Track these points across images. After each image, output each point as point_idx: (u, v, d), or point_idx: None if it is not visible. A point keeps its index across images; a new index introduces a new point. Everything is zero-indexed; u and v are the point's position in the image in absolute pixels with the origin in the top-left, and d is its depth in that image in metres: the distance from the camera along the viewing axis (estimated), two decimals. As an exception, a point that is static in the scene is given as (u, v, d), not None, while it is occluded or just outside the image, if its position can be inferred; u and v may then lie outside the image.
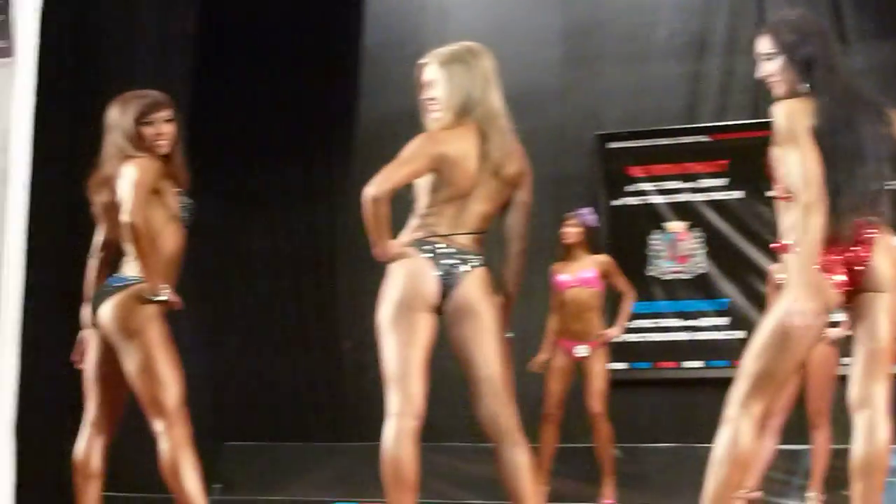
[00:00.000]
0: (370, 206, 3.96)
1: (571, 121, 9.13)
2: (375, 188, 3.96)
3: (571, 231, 7.51)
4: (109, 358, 4.60)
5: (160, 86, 4.93)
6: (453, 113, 4.14)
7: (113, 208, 4.55)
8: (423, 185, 4.16)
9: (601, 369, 7.35)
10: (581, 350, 7.36)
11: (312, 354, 9.35)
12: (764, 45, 3.94)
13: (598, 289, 7.48)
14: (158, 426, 4.48)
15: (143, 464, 7.46)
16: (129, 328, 4.48)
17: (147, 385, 4.47)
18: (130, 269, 4.58)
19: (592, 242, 7.58)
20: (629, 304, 7.57)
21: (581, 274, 7.46)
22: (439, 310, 4.12)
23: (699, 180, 8.75)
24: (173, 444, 4.44)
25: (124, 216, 4.40)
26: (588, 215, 7.60)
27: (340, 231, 9.30)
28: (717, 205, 8.67)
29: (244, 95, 9.38)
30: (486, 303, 4.13)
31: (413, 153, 4.07)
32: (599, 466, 7.33)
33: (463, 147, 4.09)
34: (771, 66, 3.93)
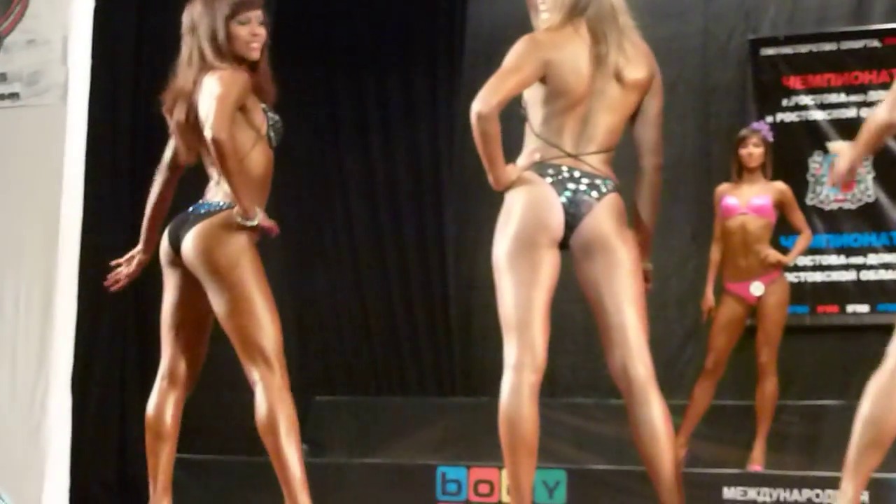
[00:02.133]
0: (477, 125, 3.94)
1: (719, 24, 9.00)
2: (481, 103, 3.93)
3: (756, 151, 7.44)
4: (191, 298, 4.58)
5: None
6: (562, 12, 4.10)
7: (189, 127, 4.52)
8: (534, 98, 4.13)
9: (779, 312, 7.32)
10: (756, 288, 7.31)
11: (414, 297, 9.39)
12: None
13: (770, 219, 7.43)
14: (254, 374, 4.41)
15: (223, 421, 7.68)
16: (220, 260, 4.40)
17: (242, 326, 4.41)
18: (216, 194, 4.54)
19: (776, 165, 7.54)
20: (805, 242, 7.56)
21: (754, 200, 7.40)
22: (564, 244, 4.08)
23: (869, 92, 8.58)
24: (271, 395, 4.37)
25: (209, 132, 4.29)
26: (768, 131, 7.55)
27: (446, 156, 9.30)
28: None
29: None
30: (621, 236, 4.08)
31: (517, 60, 4.04)
32: (755, 426, 7.30)
33: (572, 49, 4.05)
34: None
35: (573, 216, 4.03)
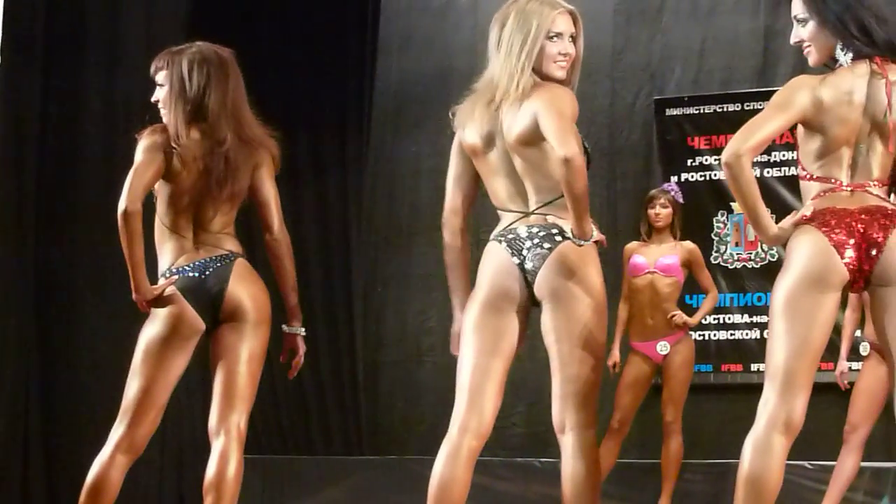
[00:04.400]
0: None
1: (625, 85, 9.11)
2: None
3: (664, 212, 7.51)
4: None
5: (153, 50, 4.91)
6: None
7: None
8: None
9: (684, 371, 7.37)
10: (662, 347, 7.36)
11: (321, 355, 9.33)
12: (796, 7, 3.98)
13: (678, 278, 7.49)
14: (231, 424, 4.56)
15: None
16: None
17: (254, 373, 4.64)
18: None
19: (683, 225, 7.61)
20: (712, 302, 7.63)
21: (662, 260, 7.46)
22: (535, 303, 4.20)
23: (772, 153, 8.70)
24: (240, 452, 4.56)
25: None
26: (677, 192, 7.62)
27: (355, 213, 9.29)
28: (792, 181, 8.60)
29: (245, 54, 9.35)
30: None
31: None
32: (660, 484, 7.33)
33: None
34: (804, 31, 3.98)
35: None
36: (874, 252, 3.76)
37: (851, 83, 3.86)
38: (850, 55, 3.89)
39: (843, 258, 3.76)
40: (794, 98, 3.86)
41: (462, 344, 4.21)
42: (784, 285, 3.79)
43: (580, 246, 4.18)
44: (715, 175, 8.79)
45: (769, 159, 8.71)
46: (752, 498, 3.73)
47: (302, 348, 4.82)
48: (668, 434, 7.32)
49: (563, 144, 3.96)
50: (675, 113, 9.06)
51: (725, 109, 8.86)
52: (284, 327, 4.76)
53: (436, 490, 4.04)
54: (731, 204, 8.76)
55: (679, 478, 7.39)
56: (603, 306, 4.20)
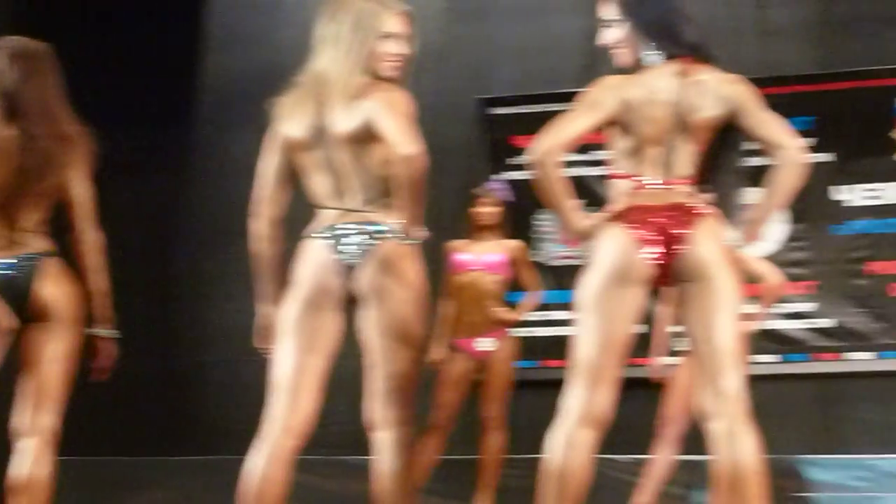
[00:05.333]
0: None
1: (451, 83, 9.17)
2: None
3: (487, 211, 7.57)
4: None
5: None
6: None
7: None
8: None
9: (506, 367, 7.44)
10: (484, 344, 7.41)
11: (143, 352, 9.23)
12: (605, 9, 4.14)
13: (503, 276, 7.55)
14: (44, 424, 4.55)
15: None
16: None
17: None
18: None
19: (507, 223, 7.67)
20: (534, 300, 7.72)
21: (487, 257, 7.51)
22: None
23: (594, 152, 8.85)
24: (50, 452, 4.53)
25: None
26: (502, 190, 7.67)
27: (181, 208, 9.21)
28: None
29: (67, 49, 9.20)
30: None
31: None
32: (479, 481, 7.40)
33: None
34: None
35: None
36: (676, 248, 3.85)
37: (659, 83, 3.97)
38: (659, 56, 4.00)
39: (645, 254, 3.85)
40: (602, 97, 3.96)
41: (280, 342, 4.21)
42: (589, 281, 3.88)
43: (404, 244, 4.22)
44: (539, 174, 8.90)
45: (591, 158, 8.85)
46: (559, 492, 3.79)
47: (107, 350, 4.75)
48: (490, 430, 7.40)
49: (408, 143, 4.00)
50: (500, 112, 9.17)
51: (550, 109, 8.95)
52: (88, 330, 4.70)
53: (254, 490, 4.03)
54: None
55: (502, 473, 7.47)
56: (424, 303, 4.24)
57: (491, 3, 9.27)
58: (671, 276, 3.89)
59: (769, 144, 3.92)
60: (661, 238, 3.86)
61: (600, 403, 3.84)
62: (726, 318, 3.84)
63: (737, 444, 3.77)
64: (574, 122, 3.95)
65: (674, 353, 7.06)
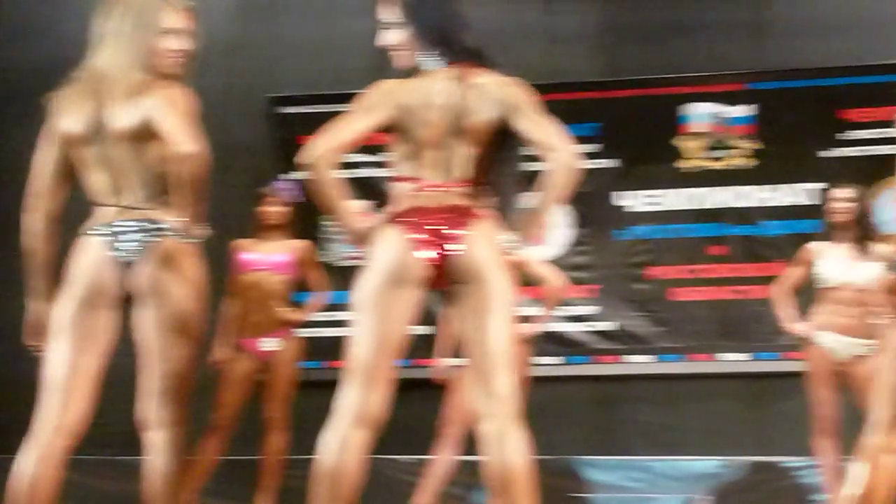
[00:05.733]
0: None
1: (239, 81, 9.11)
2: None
3: (274, 211, 7.52)
4: None
5: None
6: None
7: None
8: None
9: (290, 367, 7.41)
10: (268, 344, 7.37)
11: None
12: (385, 12, 4.15)
13: (288, 276, 7.52)
14: None
15: None
16: None
17: None
18: None
19: (295, 222, 7.63)
20: (320, 300, 7.71)
21: (272, 257, 7.47)
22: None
23: (384, 153, 8.89)
24: None
25: None
26: (290, 190, 7.62)
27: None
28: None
29: None
30: None
31: None
32: (260, 482, 7.36)
33: None
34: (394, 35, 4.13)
35: None
36: (451, 249, 3.89)
37: (436, 87, 3.99)
38: (436, 60, 4.04)
39: (420, 255, 3.87)
40: (378, 101, 3.99)
41: (53, 340, 4.13)
42: (365, 282, 3.89)
43: (183, 242, 4.18)
44: (328, 174, 8.91)
45: (381, 159, 8.89)
46: (331, 492, 3.79)
47: None
48: (272, 430, 7.37)
49: (188, 141, 3.97)
50: (289, 111, 9.15)
51: (340, 109, 8.96)
52: None
53: (24, 490, 3.95)
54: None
55: (283, 474, 7.45)
56: (202, 303, 4.20)
57: (280, 0, 9.24)
58: (446, 278, 3.92)
59: (542, 147, 3.94)
60: (437, 240, 3.88)
61: (374, 404, 3.85)
62: (499, 320, 3.88)
63: (506, 445, 3.81)
64: (349, 126, 3.98)
65: (457, 355, 7.13)
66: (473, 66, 4.05)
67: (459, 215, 3.93)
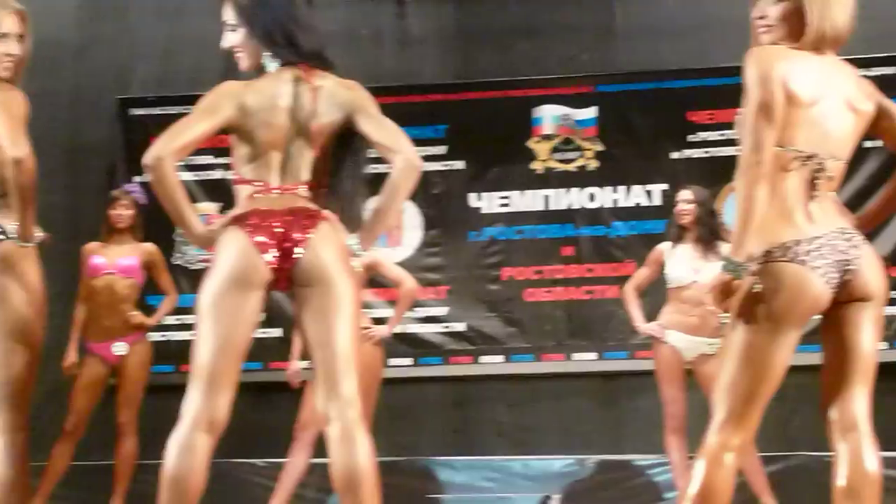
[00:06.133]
0: None
1: (90, 82, 9.01)
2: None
3: (125, 213, 7.45)
4: None
5: None
6: None
7: None
8: None
9: (140, 372, 7.34)
10: (118, 348, 7.30)
11: None
12: (227, 13, 4.13)
13: (137, 280, 7.45)
14: None
15: None
16: None
17: None
18: None
19: (145, 225, 7.57)
20: (171, 304, 7.68)
21: (121, 261, 7.40)
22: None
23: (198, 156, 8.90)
24: None
25: None
26: (140, 192, 7.56)
27: None
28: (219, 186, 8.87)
29: None
30: None
31: None
32: (113, 487, 7.30)
33: None
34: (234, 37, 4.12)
35: None
36: (295, 252, 3.88)
37: (277, 89, 3.98)
38: (278, 62, 4.02)
39: (264, 258, 3.85)
40: (219, 103, 3.95)
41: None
42: (209, 285, 3.88)
43: (21, 246, 4.14)
44: (179, 177, 8.84)
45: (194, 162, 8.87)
46: (175, 498, 3.75)
47: None
48: (123, 435, 7.30)
49: (14, 146, 3.92)
50: (140, 112, 9.07)
51: (191, 110, 8.91)
52: None
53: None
54: (195, 205, 8.85)
55: (134, 479, 7.39)
56: (41, 306, 4.16)
57: (129, 1, 9.16)
58: (291, 281, 3.91)
59: (385, 149, 3.95)
60: (280, 242, 3.86)
61: (218, 409, 3.82)
62: (344, 322, 3.88)
63: (352, 447, 3.81)
64: (191, 128, 3.91)
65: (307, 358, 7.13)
66: (315, 67, 4.04)
67: (303, 217, 3.91)
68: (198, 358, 3.84)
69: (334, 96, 4.00)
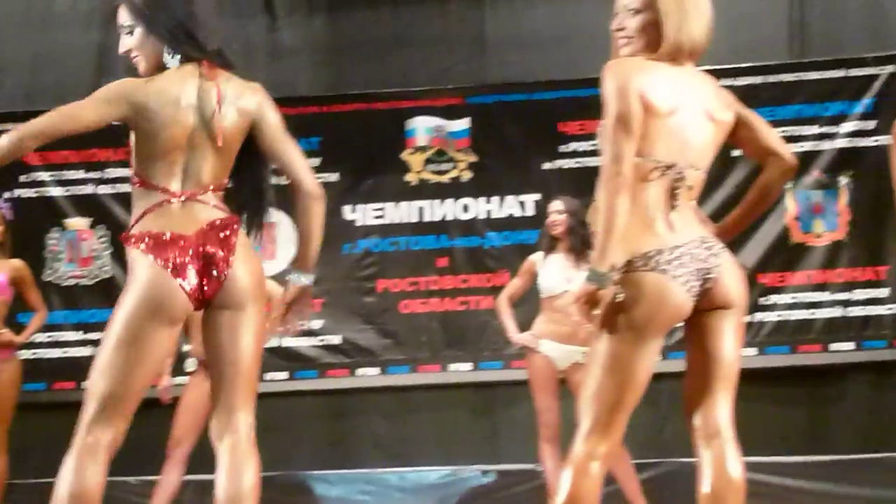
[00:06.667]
0: None
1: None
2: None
3: None
4: None
5: None
6: None
7: None
8: None
9: (10, 390, 7.25)
10: None
11: None
12: (122, 16, 4.02)
13: (6, 297, 7.37)
14: None
15: None
16: None
17: None
18: None
19: (13, 241, 7.48)
20: (40, 321, 7.57)
21: (-14, 278, 7.33)
22: None
23: (106, 170, 8.81)
24: None
25: None
26: (5, 208, 7.47)
27: None
28: (125, 198, 8.74)
29: None
30: None
31: None
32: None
33: None
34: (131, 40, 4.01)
35: None
36: (216, 272, 3.82)
37: (179, 87, 3.87)
38: (178, 59, 3.92)
39: (182, 285, 3.76)
40: (114, 97, 3.82)
41: None
42: (123, 311, 3.75)
43: None
44: (48, 192, 8.77)
45: (103, 176, 8.81)
46: None
47: None
48: (-6, 453, 7.24)
49: None
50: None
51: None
52: None
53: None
54: (65, 221, 8.79)
55: (5, 498, 7.30)
56: None
57: (-2, 15, 9.07)
58: (207, 299, 3.83)
59: (285, 170, 3.95)
60: (197, 264, 3.78)
61: (115, 433, 3.77)
62: (255, 345, 3.86)
63: (240, 468, 3.80)
64: (73, 117, 3.81)
65: (183, 373, 7.12)
66: (217, 65, 3.94)
67: (220, 230, 3.84)
68: (100, 383, 3.73)
69: (239, 99, 3.92)
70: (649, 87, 3.64)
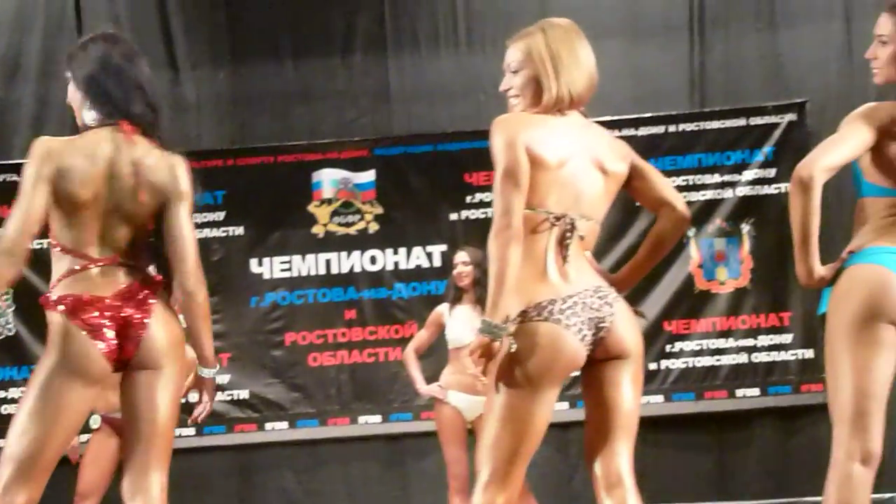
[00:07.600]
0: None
1: None
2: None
3: None
4: None
5: None
6: None
7: None
8: None
9: None
10: None
11: None
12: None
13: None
14: None
15: None
16: None
17: None
18: None
19: None
20: None
21: None
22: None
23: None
24: None
25: None
26: None
27: None
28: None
29: None
30: None
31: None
32: None
33: None
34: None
35: None
36: (133, 333, 3.84)
37: (96, 147, 3.85)
38: (98, 118, 3.90)
39: (100, 346, 3.80)
40: (42, 167, 3.78)
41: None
42: (40, 374, 3.79)
43: None
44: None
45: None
46: None
47: None
48: None
49: None
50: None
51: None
52: None
53: None
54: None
55: None
56: None
57: None
58: (126, 360, 3.86)
59: (172, 257, 3.94)
60: (116, 327, 3.81)
61: (30, 495, 3.74)
62: (170, 401, 3.90)
63: None
64: (33, 206, 3.76)
65: (85, 430, 7.09)
66: (137, 128, 3.91)
67: (138, 293, 3.87)
68: (16, 446, 3.75)
69: (154, 171, 3.90)
70: (536, 141, 3.72)
